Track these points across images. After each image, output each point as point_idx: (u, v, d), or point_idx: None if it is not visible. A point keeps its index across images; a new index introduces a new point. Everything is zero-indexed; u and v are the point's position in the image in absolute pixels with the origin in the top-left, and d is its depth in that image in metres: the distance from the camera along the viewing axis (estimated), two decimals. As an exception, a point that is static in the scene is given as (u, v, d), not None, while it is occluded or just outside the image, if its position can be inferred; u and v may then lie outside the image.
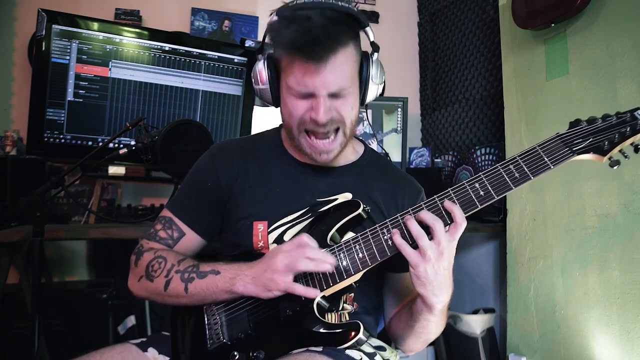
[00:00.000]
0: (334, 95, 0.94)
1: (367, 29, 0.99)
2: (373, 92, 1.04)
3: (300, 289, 0.88)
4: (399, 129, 2.28)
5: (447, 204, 0.86)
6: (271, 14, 0.96)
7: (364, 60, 1.01)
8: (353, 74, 0.98)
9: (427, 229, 0.86)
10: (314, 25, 0.88)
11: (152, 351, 1.01)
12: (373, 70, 1.01)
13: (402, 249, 0.86)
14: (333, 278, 0.91)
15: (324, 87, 0.92)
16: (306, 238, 0.90)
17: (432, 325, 0.95)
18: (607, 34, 1.52)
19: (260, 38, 2.48)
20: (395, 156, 2.27)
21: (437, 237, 0.84)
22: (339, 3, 0.93)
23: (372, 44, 1.02)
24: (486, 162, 2.22)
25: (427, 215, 0.85)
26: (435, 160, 2.45)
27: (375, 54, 1.02)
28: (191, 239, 1.08)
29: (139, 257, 1.04)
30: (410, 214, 0.89)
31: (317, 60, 0.89)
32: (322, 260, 0.88)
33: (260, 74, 1.02)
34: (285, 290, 0.88)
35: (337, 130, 0.99)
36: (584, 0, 1.52)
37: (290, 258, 0.88)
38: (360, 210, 0.97)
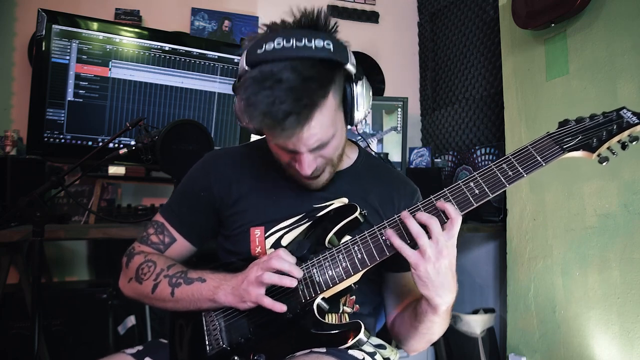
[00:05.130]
0: (316, 148, 0.92)
1: (348, 65, 0.90)
2: (361, 114, 0.98)
3: (268, 302, 0.88)
4: (398, 128, 2.28)
5: (439, 203, 0.86)
6: (244, 49, 0.88)
7: (347, 85, 0.94)
8: (334, 119, 0.92)
9: (424, 229, 0.86)
10: (284, 92, 0.81)
11: None
12: (358, 95, 0.95)
13: (402, 250, 0.86)
14: (333, 280, 0.92)
15: (305, 147, 0.90)
16: (282, 252, 0.91)
17: (436, 326, 0.95)
18: (607, 34, 1.52)
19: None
20: (395, 156, 2.27)
21: (434, 234, 0.83)
22: (313, 45, 0.84)
23: (355, 76, 0.94)
24: (486, 162, 2.22)
25: (422, 215, 0.85)
26: (435, 160, 2.45)
27: (360, 81, 0.95)
28: (182, 245, 1.08)
29: (130, 260, 1.05)
30: (397, 223, 0.90)
31: (291, 135, 0.85)
32: (289, 273, 0.88)
33: (241, 115, 0.94)
34: (255, 301, 0.89)
35: (324, 168, 0.99)
36: (584, 0, 1.52)
37: (261, 271, 0.88)
38: (357, 214, 0.97)
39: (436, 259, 0.83)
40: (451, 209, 0.84)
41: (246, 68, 0.87)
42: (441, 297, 0.86)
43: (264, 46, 0.85)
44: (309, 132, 0.87)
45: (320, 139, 0.90)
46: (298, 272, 0.89)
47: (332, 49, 0.86)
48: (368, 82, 0.99)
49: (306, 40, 0.84)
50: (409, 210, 0.89)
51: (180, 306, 0.98)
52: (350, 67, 0.91)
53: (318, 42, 0.85)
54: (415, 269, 0.84)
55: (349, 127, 1.02)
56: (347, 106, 0.96)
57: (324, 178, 1.01)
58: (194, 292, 0.95)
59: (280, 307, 0.88)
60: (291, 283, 0.88)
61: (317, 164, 0.95)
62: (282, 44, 0.84)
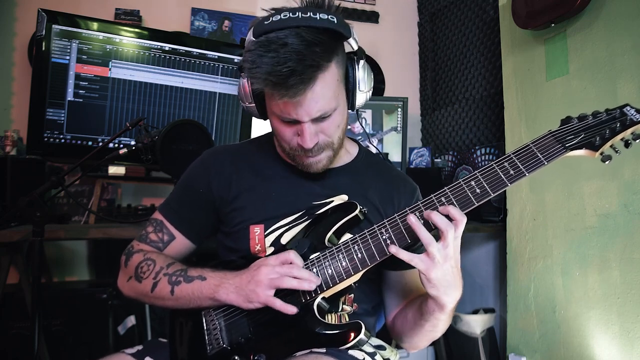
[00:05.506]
0: (318, 119, 0.93)
1: (350, 40, 0.93)
2: (362, 98, 1.01)
3: (278, 304, 0.88)
4: (398, 128, 2.28)
5: (441, 208, 0.86)
6: (250, 28, 0.91)
7: (349, 66, 0.97)
8: (337, 92, 0.94)
9: (428, 226, 0.86)
10: (288, 54, 0.83)
11: None
12: (359, 77, 0.98)
13: (412, 261, 0.85)
14: (333, 279, 0.92)
15: (307, 115, 0.91)
16: (292, 255, 0.91)
17: (441, 324, 0.96)
18: (607, 34, 1.52)
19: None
20: (395, 156, 2.27)
21: (447, 241, 0.84)
22: (317, 17, 0.88)
23: (357, 52, 0.97)
24: (486, 162, 2.22)
25: (439, 220, 0.84)
26: (435, 160, 2.45)
27: (362, 61, 0.98)
28: (181, 243, 1.08)
29: (128, 258, 1.05)
30: (408, 214, 0.89)
31: (294, 95, 0.86)
32: (307, 280, 0.88)
33: (245, 92, 0.99)
34: (265, 303, 0.89)
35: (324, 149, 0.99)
36: (584, 0, 1.52)
37: (274, 274, 0.88)
38: (357, 212, 0.97)
39: (444, 261, 0.84)
40: (455, 212, 0.84)
41: (253, 39, 0.89)
42: (449, 296, 0.87)
43: (270, 19, 0.89)
44: (312, 96, 0.88)
45: (322, 108, 0.91)
46: (315, 278, 0.90)
47: (335, 21, 0.89)
48: (369, 67, 1.01)
49: (311, 13, 0.88)
50: (409, 209, 0.89)
51: (180, 304, 0.97)
52: (353, 42, 0.94)
53: (322, 15, 0.89)
54: (426, 273, 0.85)
55: (350, 111, 1.03)
56: (349, 86, 0.98)
57: (323, 161, 1.00)
58: (194, 290, 0.95)
59: (292, 310, 0.88)
60: (312, 287, 0.89)
61: (318, 140, 0.95)
62: (288, 15, 0.88)
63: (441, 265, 0.84)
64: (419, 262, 0.85)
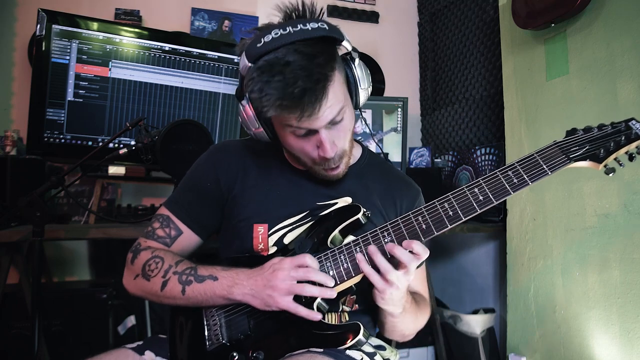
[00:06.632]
0: (332, 122, 0.92)
1: (344, 42, 0.93)
2: (364, 95, 1.01)
3: (304, 312, 0.89)
4: (398, 128, 2.28)
5: (405, 243, 0.89)
6: (240, 52, 0.90)
7: (347, 67, 0.97)
8: (344, 94, 0.95)
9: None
10: (295, 73, 0.82)
11: (149, 354, 1.01)
12: (358, 76, 0.98)
13: (370, 277, 0.90)
14: (334, 280, 0.92)
15: (323, 122, 0.91)
16: (309, 259, 0.91)
17: (400, 325, 1.03)
18: (607, 34, 1.52)
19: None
20: (395, 156, 2.27)
21: (409, 272, 0.89)
22: (309, 27, 0.86)
23: (351, 52, 0.97)
24: (486, 162, 2.22)
25: (402, 255, 0.88)
26: (435, 160, 2.45)
27: (357, 59, 0.98)
28: (189, 238, 1.08)
29: (135, 256, 1.04)
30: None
31: (311, 113, 0.86)
32: (325, 286, 0.91)
33: (250, 119, 0.97)
34: (285, 309, 0.89)
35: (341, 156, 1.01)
36: (584, 0, 1.52)
37: (292, 280, 0.89)
38: (360, 215, 0.98)
39: (403, 286, 0.90)
40: (419, 249, 0.88)
41: (249, 65, 0.87)
42: (396, 307, 0.95)
43: (262, 40, 0.86)
44: (326, 106, 0.88)
45: (337, 109, 0.91)
46: (332, 281, 0.91)
47: (326, 27, 0.89)
48: (364, 63, 1.01)
49: (301, 25, 0.87)
50: (412, 213, 0.92)
51: (191, 304, 0.97)
52: (347, 44, 0.94)
53: (312, 24, 0.88)
54: (381, 292, 0.90)
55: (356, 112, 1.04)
56: (351, 86, 0.98)
57: (342, 168, 1.01)
58: (206, 290, 0.95)
59: (317, 316, 0.89)
60: (332, 295, 0.91)
61: (336, 149, 0.96)
62: (279, 33, 0.86)
63: (398, 289, 0.89)
64: (378, 282, 0.89)
